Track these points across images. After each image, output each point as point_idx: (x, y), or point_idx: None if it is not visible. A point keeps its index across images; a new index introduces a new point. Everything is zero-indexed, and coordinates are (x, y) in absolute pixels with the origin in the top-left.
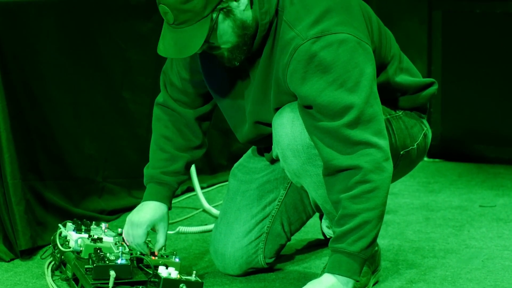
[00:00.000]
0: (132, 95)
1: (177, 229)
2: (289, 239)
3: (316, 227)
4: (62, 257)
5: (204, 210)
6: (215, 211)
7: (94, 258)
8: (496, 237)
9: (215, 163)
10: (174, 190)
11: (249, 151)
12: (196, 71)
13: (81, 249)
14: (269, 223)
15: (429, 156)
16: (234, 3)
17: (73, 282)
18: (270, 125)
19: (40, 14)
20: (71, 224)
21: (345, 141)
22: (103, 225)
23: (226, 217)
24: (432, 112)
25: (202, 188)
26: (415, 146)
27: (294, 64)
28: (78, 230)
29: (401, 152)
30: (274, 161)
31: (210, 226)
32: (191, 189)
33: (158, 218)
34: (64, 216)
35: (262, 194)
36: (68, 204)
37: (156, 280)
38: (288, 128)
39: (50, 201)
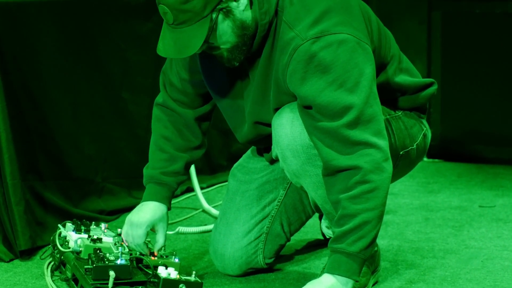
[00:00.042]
0: (132, 95)
1: (177, 229)
2: (288, 240)
3: (315, 227)
4: (62, 257)
5: (204, 211)
6: (214, 212)
7: (93, 259)
8: (495, 237)
9: (215, 163)
10: (174, 190)
11: (249, 151)
12: (196, 71)
13: (80, 249)
14: (269, 224)
15: (429, 156)
16: (234, 3)
17: (73, 283)
18: (269, 125)
19: (40, 14)
20: (70, 224)
21: (345, 141)
22: (102, 225)
23: (226, 217)
24: (432, 112)
25: (201, 188)
26: (415, 146)
27: (293, 64)
28: (77, 230)
29: (401, 152)
30: (273, 161)
31: (210, 227)
32: (190, 189)
33: (157, 218)
34: (64, 216)
35: (262, 194)
36: (67, 204)
37: (156, 280)
38: (287, 128)
39: (50, 201)
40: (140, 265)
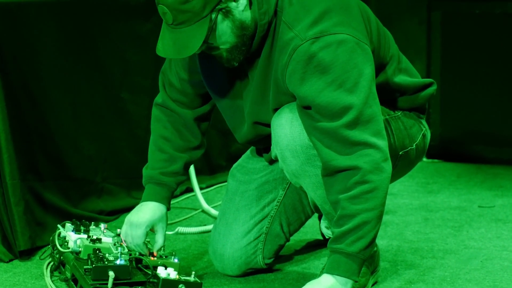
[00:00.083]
0: (131, 95)
1: (176, 230)
2: (288, 240)
3: (315, 228)
4: (61, 257)
5: (203, 211)
6: (214, 212)
7: (93, 259)
8: (495, 238)
9: (214, 164)
10: (173, 190)
11: (248, 151)
12: (195, 71)
13: (80, 249)
14: (268, 224)
15: (428, 157)
16: (233, 4)
17: (72, 283)
18: (269, 125)
19: (40, 14)
20: (70, 224)
21: (344, 142)
22: (102, 225)
23: (225, 217)
24: (431, 112)
25: (201, 188)
26: (414, 146)
27: (293, 64)
28: (77, 230)
29: (400, 153)
30: (273, 161)
31: (209, 227)
32: (190, 189)
33: (157, 218)
34: (63, 216)
35: (261, 194)
36: (67, 204)
37: (155, 280)
38: (287, 128)
39: (49, 201)
40: (139, 265)
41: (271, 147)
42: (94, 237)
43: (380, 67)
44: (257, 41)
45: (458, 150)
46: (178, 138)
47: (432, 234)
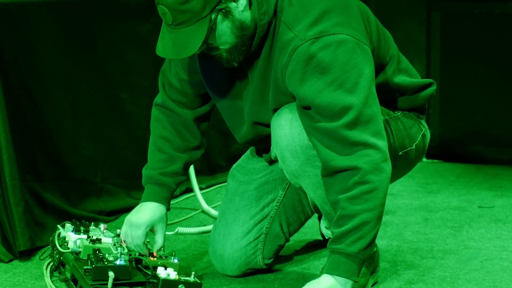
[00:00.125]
0: (131, 96)
1: (176, 230)
2: (287, 240)
3: (314, 228)
4: (61, 258)
5: (203, 211)
6: (214, 212)
7: (93, 259)
8: (494, 238)
9: (214, 164)
10: (173, 191)
11: (248, 152)
12: (195, 71)
13: (80, 250)
14: (268, 224)
15: (428, 157)
16: (233, 4)
17: (72, 283)
18: (268, 126)
19: (40, 14)
20: (69, 225)
21: (344, 142)
22: (101, 226)
23: (225, 218)
24: (431, 112)
25: (201, 189)
26: (414, 146)
27: (292, 64)
28: (76, 231)
29: (400, 153)
30: (272, 162)
31: (209, 227)
32: (190, 190)
33: (156, 219)
34: (63, 217)
35: (261, 195)
36: (66, 205)
37: (155, 281)
38: (286, 129)
39: (49, 202)
40: (139, 265)
41: (271, 147)
42: (94, 238)
43: (379, 68)
44: (256, 42)
45: (457, 150)
46: (178, 138)
47: (432, 235)
